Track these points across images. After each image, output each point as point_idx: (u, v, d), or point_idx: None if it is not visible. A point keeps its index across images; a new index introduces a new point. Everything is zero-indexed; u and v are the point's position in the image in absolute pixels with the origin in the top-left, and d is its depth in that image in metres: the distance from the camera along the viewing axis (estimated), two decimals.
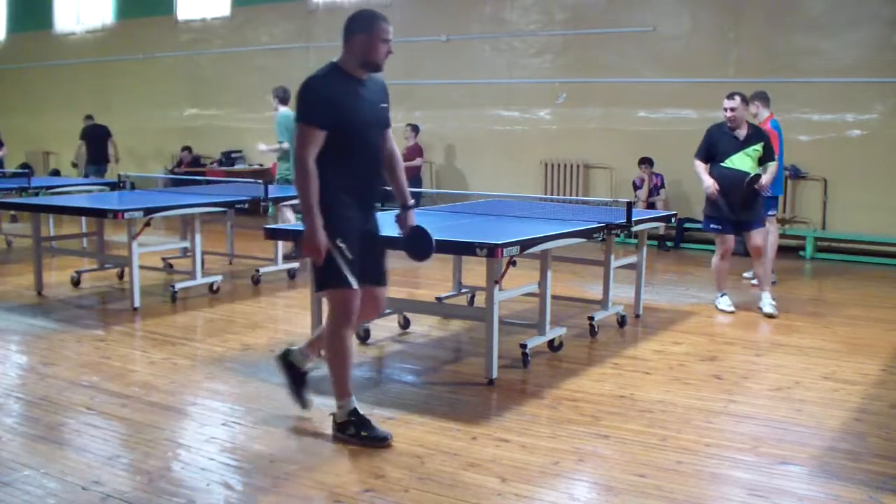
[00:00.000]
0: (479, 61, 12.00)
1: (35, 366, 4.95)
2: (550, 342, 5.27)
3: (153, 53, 14.87)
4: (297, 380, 4.05)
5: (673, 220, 7.05)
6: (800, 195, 9.92)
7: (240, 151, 13.97)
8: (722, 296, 6.66)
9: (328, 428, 3.91)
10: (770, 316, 6.35)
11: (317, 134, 3.47)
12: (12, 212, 10.59)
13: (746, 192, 6.30)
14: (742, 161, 6.34)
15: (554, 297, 5.49)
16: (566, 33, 11.31)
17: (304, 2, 13.32)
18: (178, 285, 6.85)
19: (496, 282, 4.56)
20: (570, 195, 11.11)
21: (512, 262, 4.66)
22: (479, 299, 6.41)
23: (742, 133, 6.38)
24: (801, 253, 9.62)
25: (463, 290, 6.53)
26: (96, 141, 12.42)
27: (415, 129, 11.73)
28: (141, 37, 14.90)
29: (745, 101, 6.46)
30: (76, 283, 7.33)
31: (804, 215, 9.92)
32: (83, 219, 9.06)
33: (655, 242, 10.06)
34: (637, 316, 6.34)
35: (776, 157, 6.67)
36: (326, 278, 3.63)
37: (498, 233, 4.95)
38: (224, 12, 14.24)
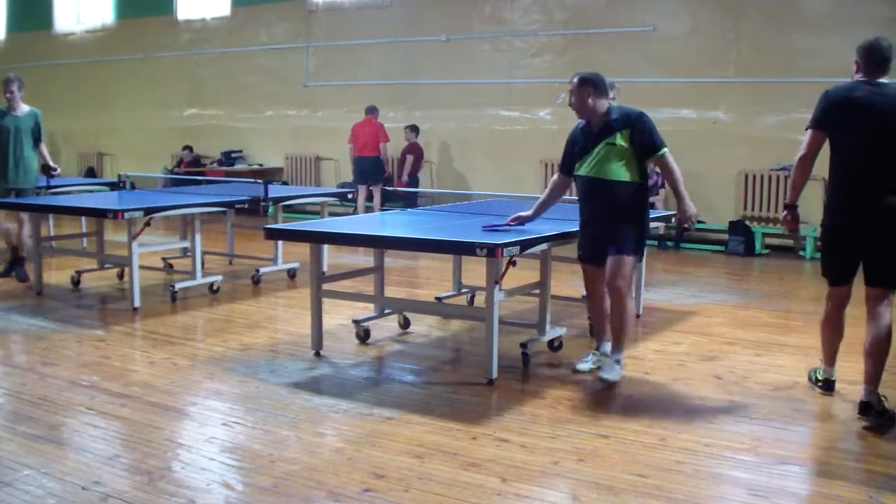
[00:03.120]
0: (479, 61, 11.99)
1: (35, 366, 4.95)
2: (550, 342, 5.27)
3: (153, 53, 14.85)
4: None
5: (673, 220, 7.00)
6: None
7: (240, 151, 13.98)
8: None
9: (328, 428, 3.92)
10: (606, 382, 4.57)
11: None
12: None
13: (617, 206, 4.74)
14: (595, 164, 4.69)
15: (554, 297, 5.49)
16: (566, 33, 11.30)
17: (304, 2, 13.31)
18: (178, 285, 6.85)
19: (496, 282, 4.56)
20: (570, 195, 11.06)
21: (512, 262, 4.65)
22: (479, 299, 6.41)
23: (597, 126, 4.73)
24: (802, 253, 9.61)
25: (463, 290, 6.53)
26: None
27: (413, 129, 11.76)
28: (141, 37, 14.88)
29: (591, 84, 4.71)
30: (76, 283, 7.33)
31: (804, 215, 9.87)
32: (83, 219, 9.05)
33: (655, 242, 10.05)
34: (637, 316, 6.34)
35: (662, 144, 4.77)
36: None
37: (498, 233, 4.94)
38: (224, 12, 14.23)
